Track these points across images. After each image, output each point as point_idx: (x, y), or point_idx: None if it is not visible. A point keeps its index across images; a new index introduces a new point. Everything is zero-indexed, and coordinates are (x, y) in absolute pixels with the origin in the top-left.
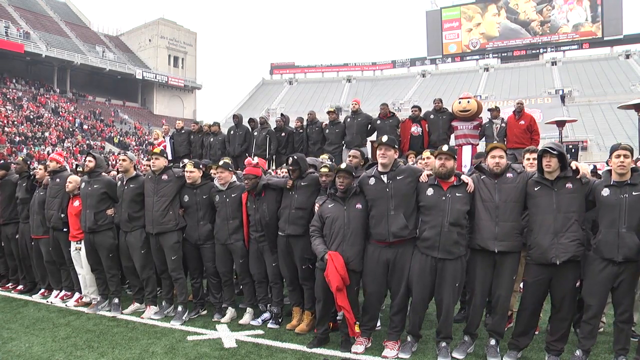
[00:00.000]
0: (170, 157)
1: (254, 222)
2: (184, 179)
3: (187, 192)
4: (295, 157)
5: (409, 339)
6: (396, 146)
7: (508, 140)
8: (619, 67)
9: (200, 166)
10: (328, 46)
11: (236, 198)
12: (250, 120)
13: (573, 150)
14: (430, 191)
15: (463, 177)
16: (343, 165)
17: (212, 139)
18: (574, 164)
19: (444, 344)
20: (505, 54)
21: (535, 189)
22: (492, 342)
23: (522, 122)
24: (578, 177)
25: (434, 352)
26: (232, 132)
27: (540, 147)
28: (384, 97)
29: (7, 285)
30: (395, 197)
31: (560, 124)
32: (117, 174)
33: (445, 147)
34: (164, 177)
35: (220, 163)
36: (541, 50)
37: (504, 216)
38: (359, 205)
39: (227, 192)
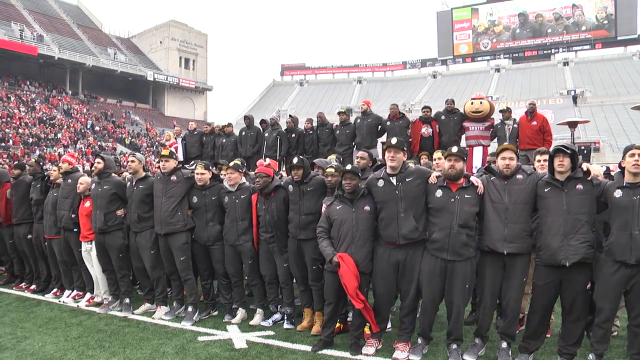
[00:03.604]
0: (181, 159)
1: (264, 223)
2: (192, 180)
3: (196, 193)
4: (301, 157)
5: (419, 341)
6: (405, 148)
7: (520, 141)
8: (633, 67)
9: (210, 167)
10: (338, 47)
11: (245, 199)
12: (262, 122)
13: (585, 152)
14: (439, 193)
15: (472, 178)
16: (349, 167)
17: (224, 140)
18: (584, 165)
19: (454, 345)
20: (517, 55)
21: (546, 190)
22: (504, 344)
23: (535, 122)
24: (589, 178)
25: (445, 354)
26: (243, 133)
27: (552, 148)
28: (394, 98)
29: (20, 285)
30: (404, 199)
31: (572, 124)
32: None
33: (454, 149)
34: (173, 177)
35: (231, 164)
36: (553, 51)
37: (513, 218)
38: (367, 207)
39: (237, 193)
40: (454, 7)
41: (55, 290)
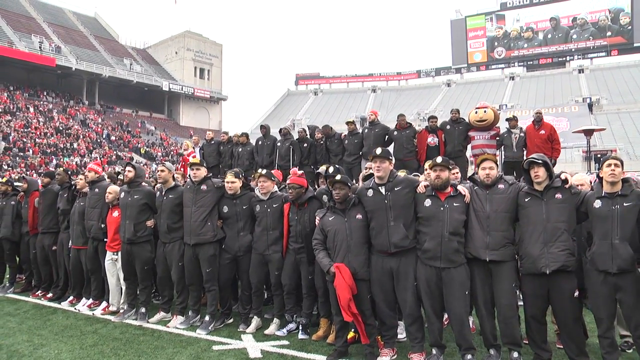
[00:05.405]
0: None
1: (295, 234)
2: (223, 189)
3: (226, 202)
4: (337, 166)
5: (434, 351)
6: (391, 158)
7: (528, 150)
8: None
9: (240, 176)
10: (353, 56)
11: (277, 208)
12: (280, 131)
13: (602, 160)
14: (428, 202)
15: (459, 187)
16: (338, 177)
17: (240, 149)
18: (563, 175)
19: (469, 356)
20: (531, 62)
21: (526, 199)
22: (514, 354)
23: (543, 131)
24: (567, 186)
25: None
26: (260, 142)
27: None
28: (409, 107)
29: (37, 293)
30: (394, 208)
31: (588, 132)
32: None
33: (439, 159)
34: (203, 187)
35: (264, 172)
36: (568, 58)
37: (494, 226)
38: (359, 216)
39: (269, 202)
40: (467, 15)
41: (71, 298)
